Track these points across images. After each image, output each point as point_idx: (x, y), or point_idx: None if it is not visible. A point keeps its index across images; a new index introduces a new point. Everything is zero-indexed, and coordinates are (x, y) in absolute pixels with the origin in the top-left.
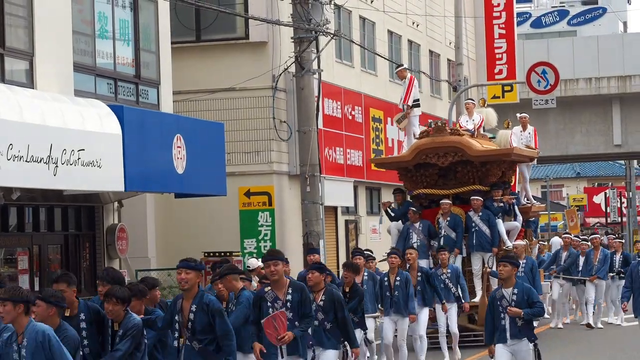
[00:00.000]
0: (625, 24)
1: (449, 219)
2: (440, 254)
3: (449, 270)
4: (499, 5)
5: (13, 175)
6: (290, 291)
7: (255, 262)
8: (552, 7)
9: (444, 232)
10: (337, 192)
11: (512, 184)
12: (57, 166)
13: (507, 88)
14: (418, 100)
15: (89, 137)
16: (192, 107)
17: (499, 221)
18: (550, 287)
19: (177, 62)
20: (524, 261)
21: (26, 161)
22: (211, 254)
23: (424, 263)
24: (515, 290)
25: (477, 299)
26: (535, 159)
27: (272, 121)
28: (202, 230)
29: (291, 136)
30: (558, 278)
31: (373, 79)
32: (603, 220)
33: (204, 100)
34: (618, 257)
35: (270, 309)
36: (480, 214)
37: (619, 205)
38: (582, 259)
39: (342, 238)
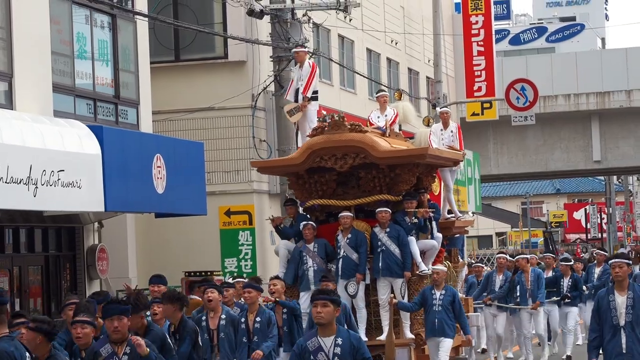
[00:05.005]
0: (603, 40)
1: (349, 236)
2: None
3: None
4: (477, 23)
5: None
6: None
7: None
8: (530, 24)
9: (344, 252)
10: None
11: (436, 193)
12: (37, 187)
13: (486, 105)
14: (317, 92)
15: (69, 158)
16: (171, 127)
17: (412, 239)
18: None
19: (157, 82)
20: (443, 292)
21: (6, 182)
22: (192, 273)
23: None
24: (339, 341)
25: (383, 337)
26: (461, 163)
27: (251, 140)
28: (183, 250)
29: (271, 155)
30: (490, 307)
31: (352, 97)
32: (583, 236)
33: (183, 120)
34: (566, 281)
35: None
36: (388, 229)
37: (599, 222)
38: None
39: None
